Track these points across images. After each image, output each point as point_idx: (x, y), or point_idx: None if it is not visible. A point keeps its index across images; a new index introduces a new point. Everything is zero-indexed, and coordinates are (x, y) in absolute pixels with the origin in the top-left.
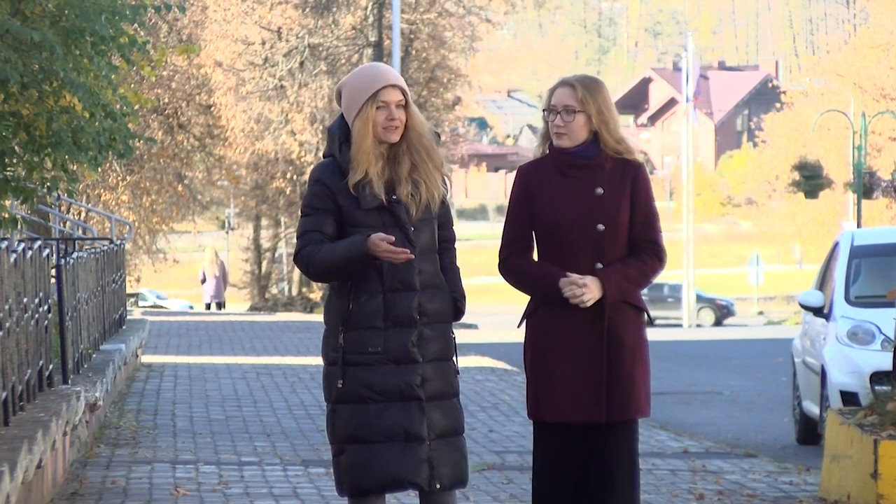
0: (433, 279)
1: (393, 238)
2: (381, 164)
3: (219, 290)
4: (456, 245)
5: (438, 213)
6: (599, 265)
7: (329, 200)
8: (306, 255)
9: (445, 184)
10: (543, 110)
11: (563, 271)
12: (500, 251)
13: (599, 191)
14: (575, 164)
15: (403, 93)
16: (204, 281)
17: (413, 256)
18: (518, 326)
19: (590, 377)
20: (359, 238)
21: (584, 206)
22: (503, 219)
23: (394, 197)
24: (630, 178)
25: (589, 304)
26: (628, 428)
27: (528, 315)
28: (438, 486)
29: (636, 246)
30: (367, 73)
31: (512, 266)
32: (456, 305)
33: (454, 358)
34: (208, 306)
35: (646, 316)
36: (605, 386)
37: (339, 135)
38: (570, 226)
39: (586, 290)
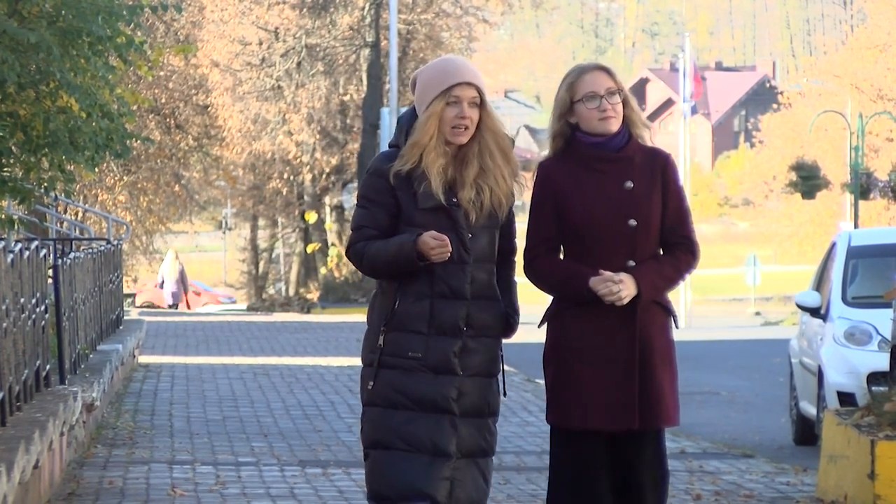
0: (486, 290)
1: (445, 238)
2: (444, 163)
3: (178, 292)
4: (515, 255)
5: (503, 222)
6: (631, 263)
7: (386, 194)
8: (359, 250)
9: (515, 193)
10: (578, 100)
11: (593, 270)
12: (524, 253)
13: (629, 184)
14: (602, 157)
15: (479, 91)
16: (162, 284)
17: (446, 255)
18: (539, 327)
19: (621, 382)
20: (409, 237)
21: (614, 202)
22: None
23: (454, 200)
24: (660, 170)
25: (626, 301)
26: (657, 436)
27: (551, 317)
28: None
29: (668, 242)
30: (443, 67)
31: (539, 268)
32: (508, 321)
33: (500, 376)
34: (169, 306)
35: (673, 319)
36: (638, 392)
37: (407, 125)
38: (599, 223)
39: (623, 286)
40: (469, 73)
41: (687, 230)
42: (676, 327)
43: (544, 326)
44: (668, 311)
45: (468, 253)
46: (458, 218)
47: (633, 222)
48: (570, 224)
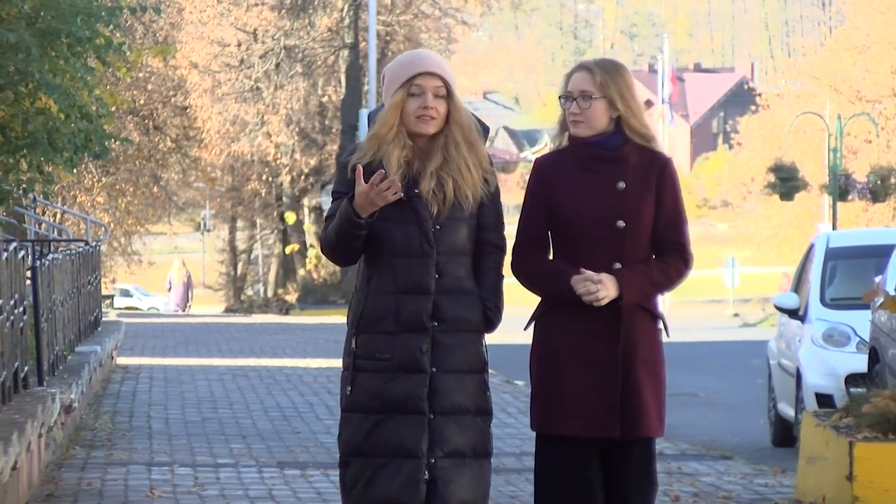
0: (460, 283)
1: (382, 173)
2: (406, 155)
3: (185, 297)
4: (504, 251)
5: (480, 213)
6: (618, 265)
7: (352, 185)
8: (322, 237)
9: (488, 182)
10: (560, 97)
11: (576, 269)
12: (513, 249)
13: (621, 185)
14: (596, 156)
15: (445, 81)
16: (170, 288)
17: (400, 194)
18: (525, 329)
19: (603, 389)
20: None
21: (604, 202)
22: None
23: (416, 191)
24: (656, 173)
25: (604, 302)
26: (646, 447)
27: (537, 318)
28: None
29: (660, 247)
30: (406, 59)
31: (525, 266)
32: (485, 313)
33: (485, 373)
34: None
35: (662, 326)
36: (620, 399)
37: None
38: (587, 222)
39: (601, 286)
40: (432, 64)
41: (680, 236)
42: (667, 335)
43: (531, 329)
44: (655, 317)
45: (431, 246)
46: (421, 209)
47: (621, 223)
48: (557, 222)
